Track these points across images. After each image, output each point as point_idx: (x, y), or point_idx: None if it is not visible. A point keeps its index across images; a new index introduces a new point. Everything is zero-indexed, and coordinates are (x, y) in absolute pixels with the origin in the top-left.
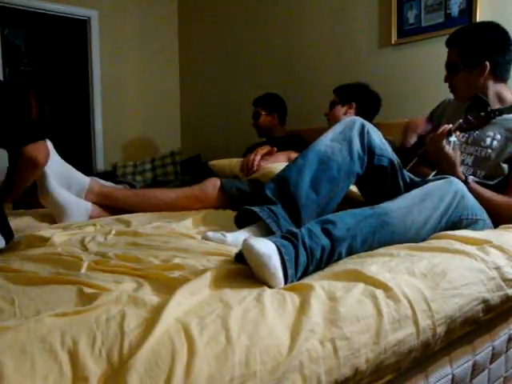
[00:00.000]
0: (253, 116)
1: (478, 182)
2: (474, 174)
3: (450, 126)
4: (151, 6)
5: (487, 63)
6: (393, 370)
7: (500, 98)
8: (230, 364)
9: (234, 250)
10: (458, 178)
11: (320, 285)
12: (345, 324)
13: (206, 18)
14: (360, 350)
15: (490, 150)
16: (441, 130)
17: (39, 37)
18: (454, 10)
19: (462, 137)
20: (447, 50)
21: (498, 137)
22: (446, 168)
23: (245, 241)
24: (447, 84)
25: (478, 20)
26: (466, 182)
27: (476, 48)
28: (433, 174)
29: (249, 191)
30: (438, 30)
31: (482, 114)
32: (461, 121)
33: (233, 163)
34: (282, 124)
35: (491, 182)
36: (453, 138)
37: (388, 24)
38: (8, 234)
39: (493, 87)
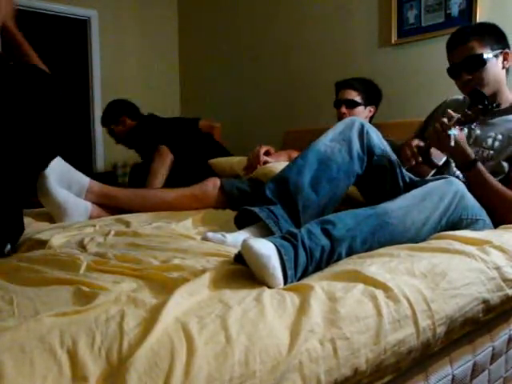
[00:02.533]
0: (112, 137)
1: None
2: None
3: (445, 120)
4: (151, 6)
5: (508, 50)
6: (393, 370)
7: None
8: (230, 363)
9: (234, 251)
10: (468, 156)
11: (320, 285)
12: (344, 324)
13: (206, 18)
14: (360, 350)
15: (491, 152)
16: (440, 124)
17: (39, 37)
18: (454, 10)
19: (461, 130)
20: (461, 46)
21: (500, 137)
22: (459, 159)
23: (244, 241)
24: (447, 84)
25: (478, 20)
26: (474, 161)
27: (498, 35)
28: (432, 172)
29: (249, 191)
30: (438, 30)
31: (480, 106)
32: (459, 115)
33: (233, 161)
34: (135, 119)
35: None
36: (452, 132)
37: (388, 24)
38: (17, 233)
39: (506, 82)
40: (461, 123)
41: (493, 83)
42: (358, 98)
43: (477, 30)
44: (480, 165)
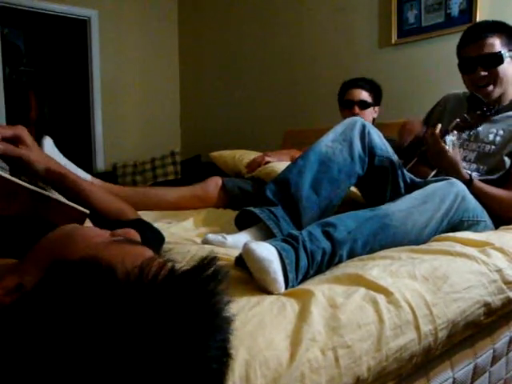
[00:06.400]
0: None
1: (481, 180)
2: (477, 170)
3: (439, 125)
4: (151, 6)
5: None
6: (394, 376)
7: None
8: (231, 380)
9: (234, 254)
10: (462, 177)
11: (320, 290)
12: (346, 331)
13: (206, 18)
14: (361, 358)
15: (493, 146)
16: (437, 130)
17: (39, 37)
18: (454, 9)
19: (459, 137)
20: (480, 41)
21: (501, 132)
22: (448, 169)
23: (245, 245)
24: (447, 83)
25: (478, 20)
26: (470, 181)
27: None
28: (433, 173)
29: (251, 190)
30: (438, 30)
31: (479, 112)
32: (458, 120)
33: (236, 156)
34: None
35: (493, 176)
36: (450, 137)
37: (388, 24)
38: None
39: None
40: (459, 128)
41: (505, 83)
42: (369, 99)
43: (496, 27)
44: (476, 182)
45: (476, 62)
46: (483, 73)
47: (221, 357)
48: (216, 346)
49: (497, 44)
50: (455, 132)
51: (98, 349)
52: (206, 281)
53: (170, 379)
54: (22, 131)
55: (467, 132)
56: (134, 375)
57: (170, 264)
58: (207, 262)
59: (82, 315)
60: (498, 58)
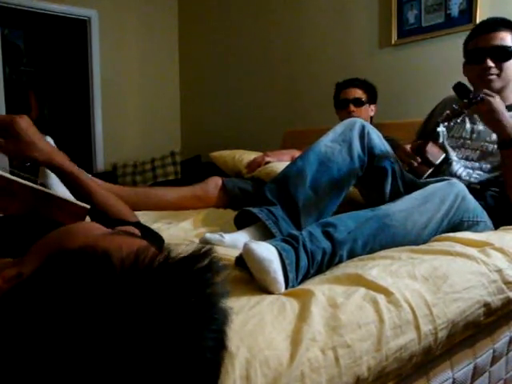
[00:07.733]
0: None
1: (487, 178)
2: (479, 168)
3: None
4: (151, 6)
5: None
6: (394, 376)
7: None
8: (231, 379)
9: (234, 254)
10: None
11: (320, 290)
12: (346, 331)
13: (207, 18)
14: (361, 358)
15: (495, 146)
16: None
17: (39, 37)
18: (454, 10)
19: (448, 128)
20: (493, 33)
21: None
22: (497, 133)
23: (245, 245)
24: (447, 83)
25: (478, 20)
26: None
27: None
28: (429, 171)
29: (251, 190)
30: (438, 30)
31: (465, 100)
32: (447, 111)
33: (236, 156)
34: None
35: (497, 173)
36: (441, 128)
37: (388, 24)
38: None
39: None
40: (449, 118)
41: (507, 78)
42: (363, 97)
43: (508, 23)
44: None
45: (486, 53)
46: (491, 64)
47: (216, 347)
48: (211, 337)
49: (508, 39)
50: (446, 123)
51: (89, 332)
52: (201, 270)
53: (163, 366)
54: (11, 123)
55: (456, 119)
56: (125, 360)
57: (166, 251)
58: (203, 252)
59: (75, 298)
60: (508, 53)
